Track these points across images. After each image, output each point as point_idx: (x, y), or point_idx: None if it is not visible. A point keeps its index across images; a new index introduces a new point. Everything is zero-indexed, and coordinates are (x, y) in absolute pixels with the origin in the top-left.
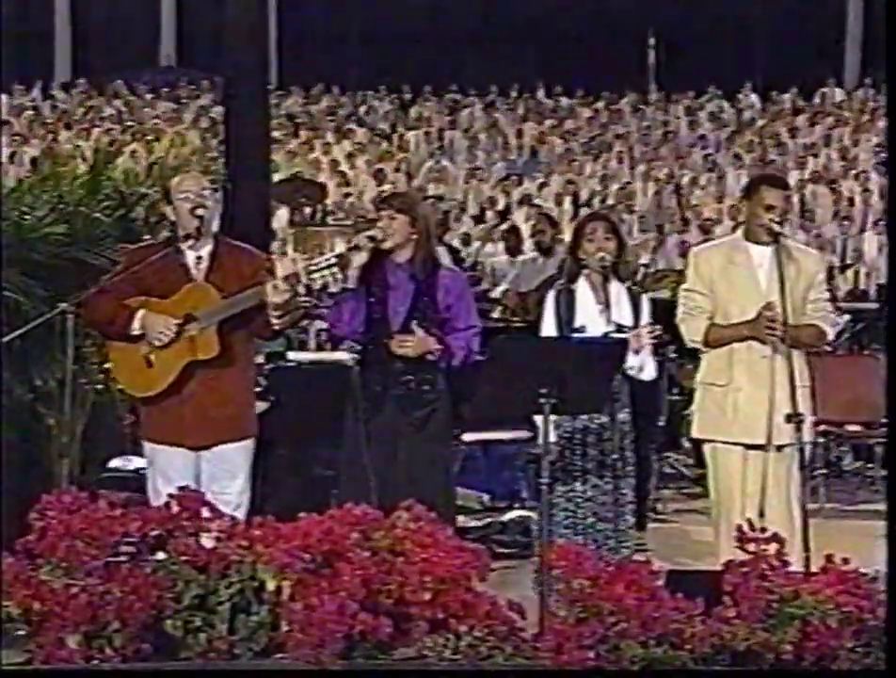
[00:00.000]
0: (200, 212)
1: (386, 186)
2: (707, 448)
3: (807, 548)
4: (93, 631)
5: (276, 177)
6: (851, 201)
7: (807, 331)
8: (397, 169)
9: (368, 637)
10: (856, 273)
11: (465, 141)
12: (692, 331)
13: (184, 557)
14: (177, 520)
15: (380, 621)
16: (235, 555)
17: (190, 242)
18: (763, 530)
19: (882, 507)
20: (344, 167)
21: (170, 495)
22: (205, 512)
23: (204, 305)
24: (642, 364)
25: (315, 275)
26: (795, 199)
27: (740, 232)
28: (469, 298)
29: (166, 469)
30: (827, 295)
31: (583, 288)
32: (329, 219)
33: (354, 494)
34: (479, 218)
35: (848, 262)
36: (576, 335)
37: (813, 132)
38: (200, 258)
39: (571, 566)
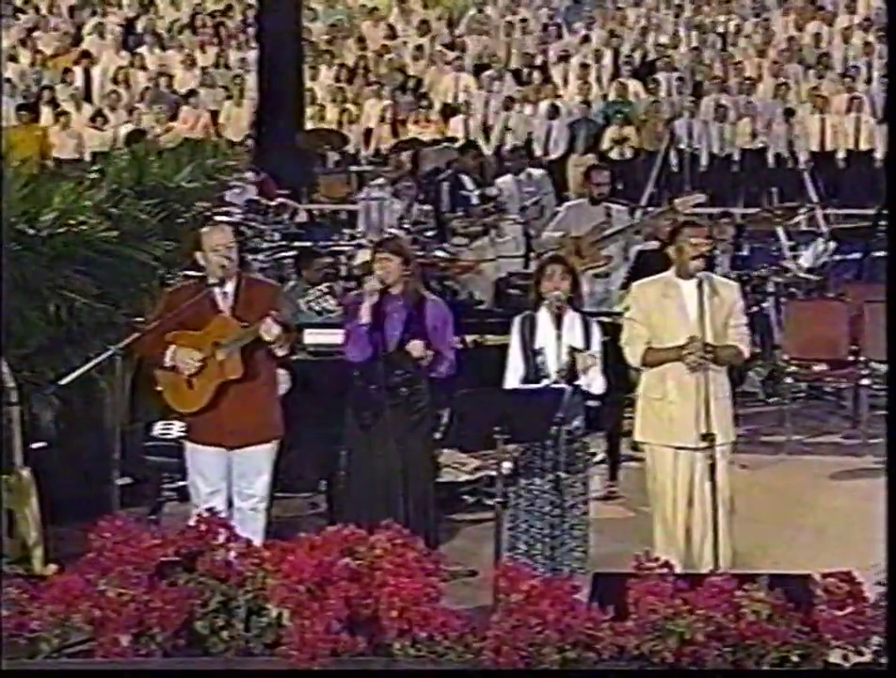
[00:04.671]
0: (226, 262)
1: (426, 39)
2: (646, 449)
3: (715, 545)
4: (140, 631)
5: (313, 26)
6: None
7: (727, 351)
8: (439, 18)
9: (349, 650)
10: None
11: None
12: (633, 355)
13: (209, 571)
14: (204, 539)
15: (357, 639)
16: (249, 570)
17: (217, 283)
18: (657, 560)
19: (842, 439)
20: (386, 16)
21: (199, 516)
22: (226, 533)
23: (227, 334)
24: (590, 381)
25: (311, 303)
26: (839, 54)
27: (672, 270)
28: (450, 324)
29: (202, 467)
30: (745, 320)
31: (543, 316)
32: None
33: (358, 478)
34: (518, 76)
35: (882, 119)
36: (522, 386)
37: None
38: (226, 294)
39: (510, 582)
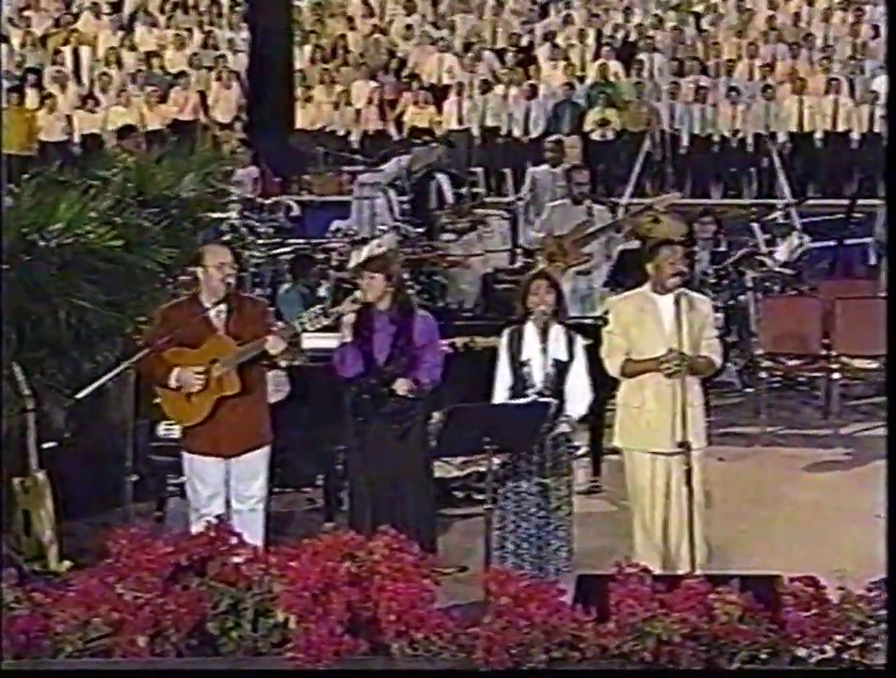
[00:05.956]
0: (230, 280)
1: (413, 18)
2: (625, 454)
3: (692, 547)
4: (156, 632)
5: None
6: (876, 31)
7: (702, 362)
8: None
9: (351, 651)
10: (871, 114)
11: None
12: (612, 366)
13: (219, 576)
14: (213, 545)
15: (359, 643)
16: (256, 575)
17: (216, 302)
18: (636, 565)
19: (813, 431)
20: None
21: (207, 523)
22: (234, 540)
23: (224, 353)
24: (573, 408)
25: (305, 323)
26: (819, 33)
27: (648, 285)
28: (437, 337)
29: (202, 473)
30: (716, 332)
31: (529, 329)
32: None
33: (355, 480)
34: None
35: (859, 101)
36: (511, 401)
37: None
38: (220, 312)
39: (499, 586)
